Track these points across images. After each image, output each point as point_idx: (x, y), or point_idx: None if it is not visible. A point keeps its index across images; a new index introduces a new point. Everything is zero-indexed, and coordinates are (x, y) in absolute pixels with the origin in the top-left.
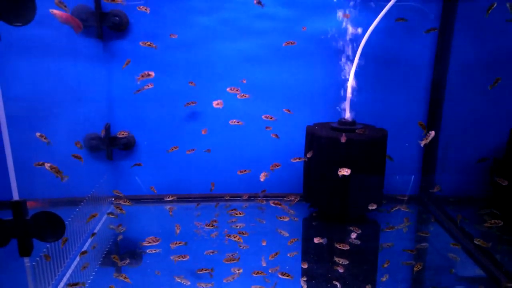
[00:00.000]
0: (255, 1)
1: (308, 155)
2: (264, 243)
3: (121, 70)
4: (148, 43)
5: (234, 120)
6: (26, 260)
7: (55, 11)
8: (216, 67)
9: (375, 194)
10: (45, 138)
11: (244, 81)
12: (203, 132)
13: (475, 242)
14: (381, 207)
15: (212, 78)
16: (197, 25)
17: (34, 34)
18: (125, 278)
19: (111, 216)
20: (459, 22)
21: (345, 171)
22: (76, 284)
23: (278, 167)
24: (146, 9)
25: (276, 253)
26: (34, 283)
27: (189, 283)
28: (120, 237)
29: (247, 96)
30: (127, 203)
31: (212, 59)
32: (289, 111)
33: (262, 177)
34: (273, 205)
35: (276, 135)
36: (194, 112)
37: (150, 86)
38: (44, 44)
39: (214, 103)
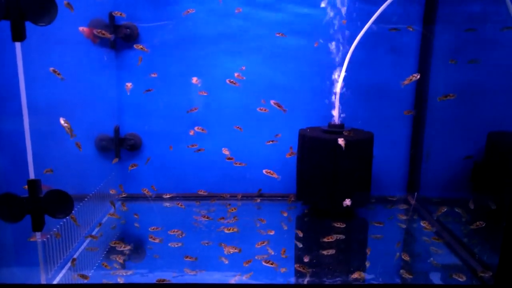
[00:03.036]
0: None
1: (289, 153)
2: (263, 233)
3: (130, 76)
4: (141, 46)
5: (199, 127)
6: (38, 236)
7: (83, 28)
8: (217, 79)
9: (363, 192)
10: (58, 74)
11: (243, 68)
12: (191, 133)
13: (421, 224)
14: (369, 205)
15: (213, 88)
16: (201, 38)
17: (54, 42)
18: (118, 258)
19: (113, 215)
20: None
21: (341, 141)
22: (74, 260)
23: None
24: (143, 48)
25: (263, 242)
26: (44, 259)
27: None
28: (137, 225)
29: (236, 84)
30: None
31: (214, 72)
32: (265, 110)
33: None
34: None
35: (240, 128)
36: (196, 116)
37: (155, 75)
38: (63, 52)
39: (194, 80)
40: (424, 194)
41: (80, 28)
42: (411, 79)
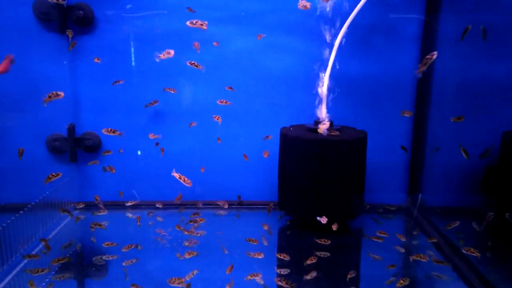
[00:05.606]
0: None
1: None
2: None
3: (87, 68)
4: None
5: (153, 134)
6: None
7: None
8: (184, 69)
9: (354, 200)
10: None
11: (216, 43)
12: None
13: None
14: (363, 216)
15: (182, 80)
16: (168, 24)
17: None
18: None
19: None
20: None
21: (323, 128)
22: None
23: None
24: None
25: (231, 266)
26: None
27: None
28: (93, 239)
29: (200, 67)
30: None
31: (181, 63)
32: (226, 102)
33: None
34: None
35: (194, 123)
36: (163, 113)
37: (98, 61)
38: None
39: (162, 56)
40: (426, 202)
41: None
42: (426, 62)
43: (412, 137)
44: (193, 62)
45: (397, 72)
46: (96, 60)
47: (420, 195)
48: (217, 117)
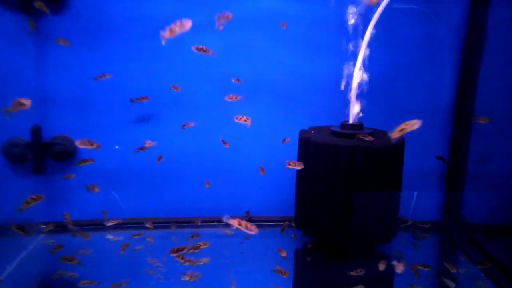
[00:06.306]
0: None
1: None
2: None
3: (58, 56)
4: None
5: (148, 142)
6: None
7: None
8: (183, 56)
9: (388, 219)
10: None
11: (221, 28)
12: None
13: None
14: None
15: (183, 76)
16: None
17: None
18: None
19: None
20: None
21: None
22: None
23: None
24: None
25: None
26: None
27: None
28: (72, 275)
29: (209, 52)
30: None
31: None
32: (236, 97)
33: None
34: None
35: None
36: (155, 111)
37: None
38: None
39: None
40: (468, 219)
41: None
42: None
43: (450, 146)
44: (201, 47)
45: (433, 69)
46: (61, 43)
47: (416, 192)
48: (244, 119)
